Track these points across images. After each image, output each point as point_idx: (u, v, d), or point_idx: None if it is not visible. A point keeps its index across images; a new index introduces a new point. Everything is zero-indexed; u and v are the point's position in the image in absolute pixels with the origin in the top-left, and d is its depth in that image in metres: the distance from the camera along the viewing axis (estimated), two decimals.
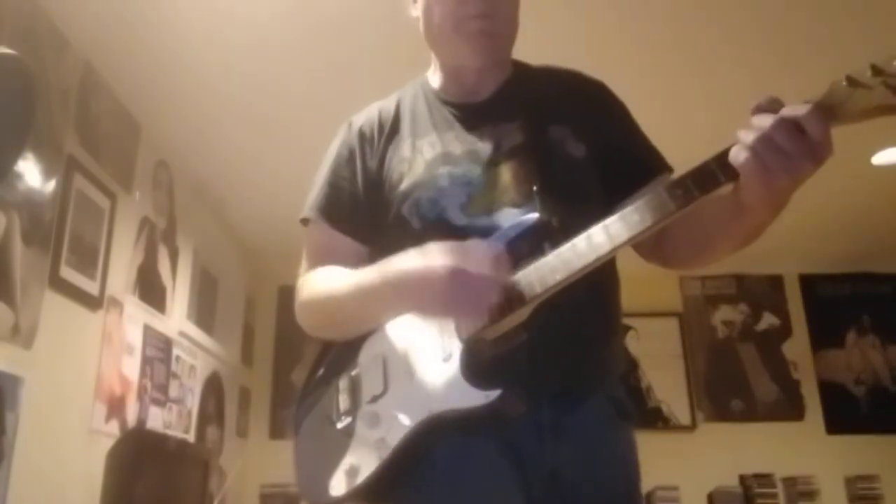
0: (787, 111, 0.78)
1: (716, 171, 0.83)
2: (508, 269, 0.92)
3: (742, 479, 4.13)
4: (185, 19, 2.32)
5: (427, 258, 0.92)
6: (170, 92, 2.71)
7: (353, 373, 1.06)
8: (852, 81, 0.76)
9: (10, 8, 2.03)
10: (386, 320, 1.04)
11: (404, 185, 1.10)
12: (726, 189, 0.84)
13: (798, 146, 0.77)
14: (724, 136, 0.83)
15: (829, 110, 0.77)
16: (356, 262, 1.12)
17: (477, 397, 0.90)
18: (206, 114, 2.86)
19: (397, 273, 0.95)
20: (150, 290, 2.92)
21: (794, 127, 0.77)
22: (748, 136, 0.79)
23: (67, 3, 2.20)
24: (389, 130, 1.18)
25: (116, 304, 2.60)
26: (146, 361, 2.82)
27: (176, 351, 3.15)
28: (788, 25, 2.42)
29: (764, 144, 0.78)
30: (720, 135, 0.85)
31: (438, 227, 1.05)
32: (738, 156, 0.80)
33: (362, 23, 2.33)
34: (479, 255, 0.90)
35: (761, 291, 4.69)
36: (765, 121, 0.79)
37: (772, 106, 0.80)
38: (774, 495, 4.10)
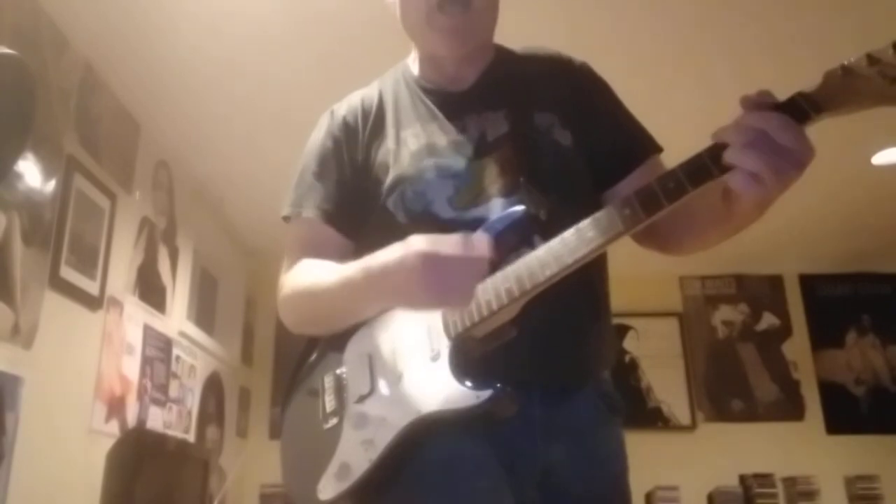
0: (755, 122, 0.77)
1: (709, 164, 0.81)
2: (491, 250, 0.89)
3: (742, 479, 4.13)
4: (185, 20, 2.32)
5: (406, 247, 0.89)
6: (170, 92, 2.71)
7: (339, 371, 1.03)
8: (847, 71, 0.74)
9: (10, 8, 2.03)
10: (369, 314, 1.01)
11: (389, 178, 1.07)
12: (719, 181, 0.82)
13: (782, 161, 0.76)
14: (714, 123, 0.82)
15: (825, 102, 0.75)
16: (342, 257, 1.09)
17: (467, 398, 0.88)
18: (206, 114, 2.86)
19: (378, 264, 0.92)
20: (150, 290, 2.92)
21: (768, 139, 0.76)
22: (749, 161, 0.77)
23: (67, 3, 2.20)
24: (373, 121, 1.14)
25: (116, 304, 2.60)
26: (146, 361, 2.82)
27: (176, 351, 3.15)
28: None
29: (765, 168, 0.76)
30: (709, 121, 0.84)
31: (425, 221, 1.02)
32: (743, 183, 0.78)
33: (362, 22, 2.33)
34: (455, 239, 0.88)
35: (761, 291, 4.69)
36: (745, 134, 0.77)
37: (762, 99, 0.78)
38: (774, 495, 4.09)
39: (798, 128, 0.76)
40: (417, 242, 0.88)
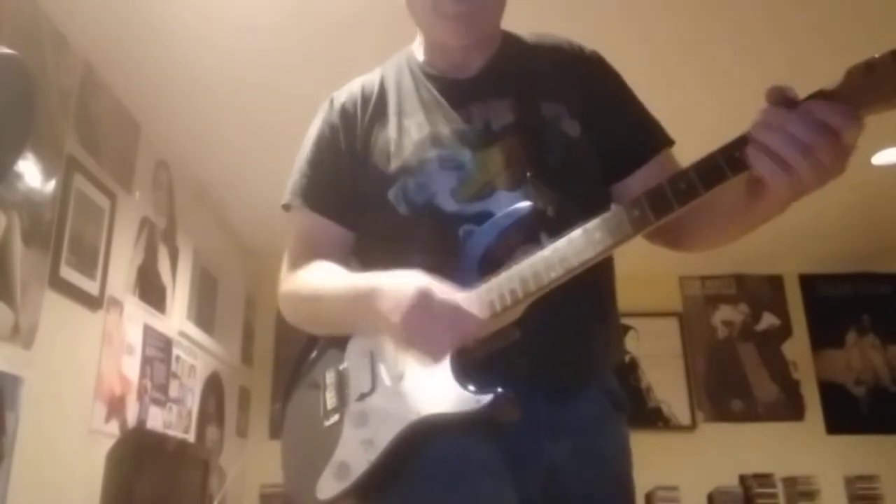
0: (812, 106, 0.72)
1: (723, 165, 0.77)
2: (482, 330, 0.88)
3: (742, 479, 4.13)
4: (184, 21, 2.32)
5: (411, 276, 0.89)
6: (170, 92, 2.71)
7: (341, 367, 1.02)
8: (871, 68, 0.70)
9: (10, 8, 2.03)
10: (361, 331, 1.01)
11: (391, 169, 1.04)
12: (732, 182, 0.79)
13: (836, 157, 0.72)
14: (725, 117, 0.80)
15: (846, 100, 0.72)
16: (341, 246, 1.08)
17: (468, 402, 0.86)
18: (206, 114, 2.86)
19: (385, 284, 0.92)
20: (150, 290, 2.92)
21: (835, 137, 0.71)
22: (769, 137, 0.74)
23: (67, 4, 2.20)
24: (374, 108, 1.11)
25: (116, 304, 2.60)
26: (146, 361, 2.82)
27: (176, 351, 3.15)
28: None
29: (790, 146, 0.73)
30: (722, 125, 0.82)
31: (427, 214, 1.00)
32: (758, 159, 0.75)
33: (360, 25, 2.33)
34: (460, 296, 0.88)
35: (761, 291, 4.69)
36: (788, 119, 0.73)
37: (784, 96, 0.75)
38: (774, 495, 4.09)
39: (860, 123, 0.71)
40: (423, 278, 0.88)
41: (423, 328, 0.87)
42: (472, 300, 0.89)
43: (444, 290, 0.88)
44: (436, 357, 0.88)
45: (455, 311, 0.87)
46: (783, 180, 0.75)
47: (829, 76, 0.75)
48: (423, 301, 0.86)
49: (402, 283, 0.89)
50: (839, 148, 0.73)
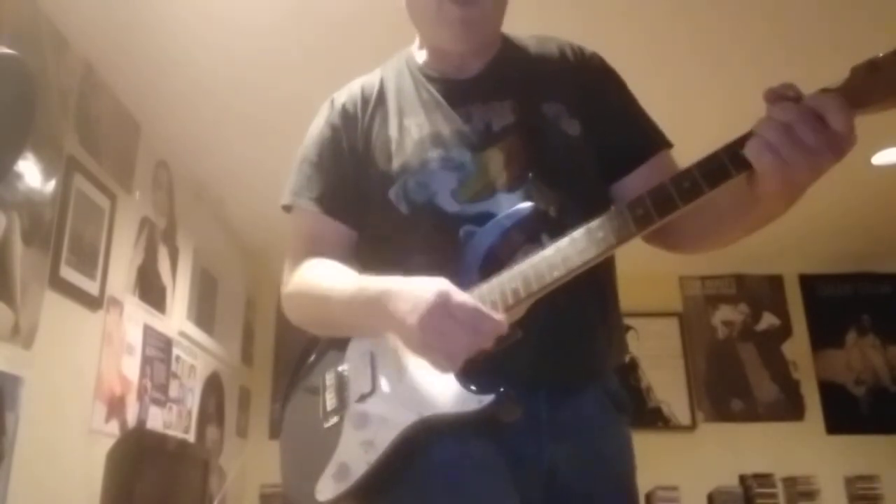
0: (811, 101, 0.73)
1: (726, 163, 0.77)
2: (502, 332, 0.84)
3: (742, 479, 4.13)
4: (184, 21, 2.32)
5: (429, 281, 0.86)
6: (170, 92, 2.71)
7: (341, 368, 1.01)
8: (875, 67, 0.71)
9: (10, 8, 2.03)
10: (369, 335, 0.99)
11: (392, 168, 1.04)
12: (736, 180, 0.79)
13: (821, 140, 0.72)
14: (733, 126, 0.79)
15: (851, 98, 0.72)
16: (345, 247, 1.08)
17: (470, 402, 0.86)
18: (206, 114, 2.86)
19: (397, 288, 0.89)
20: (150, 290, 2.92)
21: (817, 119, 0.72)
22: (767, 130, 0.74)
23: (67, 4, 2.20)
24: (374, 108, 1.12)
25: (116, 304, 2.60)
26: (146, 361, 2.82)
27: (176, 351, 3.15)
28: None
29: (785, 139, 0.73)
30: (728, 125, 0.81)
31: (428, 214, 1.00)
32: (755, 151, 0.75)
33: (360, 25, 2.33)
34: (477, 302, 0.85)
35: (761, 291, 4.69)
36: (785, 113, 0.73)
37: (786, 92, 0.75)
38: (774, 495, 4.09)
39: (851, 111, 0.71)
40: (443, 282, 0.85)
41: (442, 330, 0.82)
42: (478, 301, 0.87)
43: (463, 293, 0.85)
44: (453, 362, 0.84)
45: (476, 312, 0.83)
46: (767, 160, 0.75)
47: (840, 77, 0.75)
48: (443, 301, 0.83)
49: (420, 285, 0.86)
50: (825, 130, 0.72)
